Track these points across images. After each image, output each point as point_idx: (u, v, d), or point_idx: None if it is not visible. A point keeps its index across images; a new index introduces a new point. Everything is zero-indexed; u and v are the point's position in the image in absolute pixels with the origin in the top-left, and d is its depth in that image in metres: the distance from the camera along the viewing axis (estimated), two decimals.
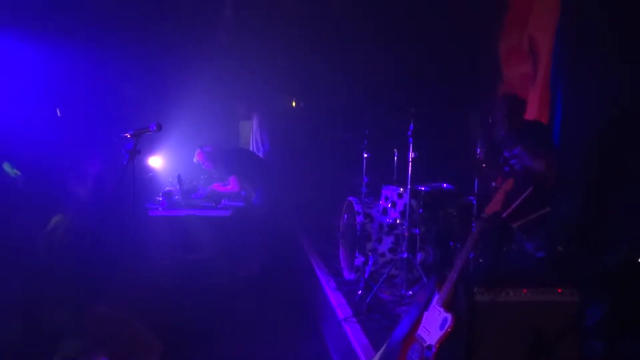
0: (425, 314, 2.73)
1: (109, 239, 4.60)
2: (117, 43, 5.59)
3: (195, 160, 5.86)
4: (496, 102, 3.86)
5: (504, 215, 3.36)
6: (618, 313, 2.88)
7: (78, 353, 3.36)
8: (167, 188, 5.81)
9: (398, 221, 4.45)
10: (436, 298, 2.70)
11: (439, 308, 2.65)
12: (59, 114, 5.46)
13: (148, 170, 5.93)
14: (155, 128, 3.57)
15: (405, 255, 4.12)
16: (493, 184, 3.85)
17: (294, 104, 7.99)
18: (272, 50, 6.71)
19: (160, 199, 5.40)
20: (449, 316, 2.57)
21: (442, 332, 2.55)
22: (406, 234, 4.15)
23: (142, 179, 5.60)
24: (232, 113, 6.79)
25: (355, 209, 4.63)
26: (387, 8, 6.19)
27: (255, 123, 6.82)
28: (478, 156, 3.91)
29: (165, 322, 3.84)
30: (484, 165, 3.87)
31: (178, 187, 5.59)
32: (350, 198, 4.88)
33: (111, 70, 5.63)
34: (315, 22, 6.65)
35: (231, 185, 5.80)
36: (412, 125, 4.02)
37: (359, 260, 4.46)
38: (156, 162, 6.09)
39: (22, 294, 4.16)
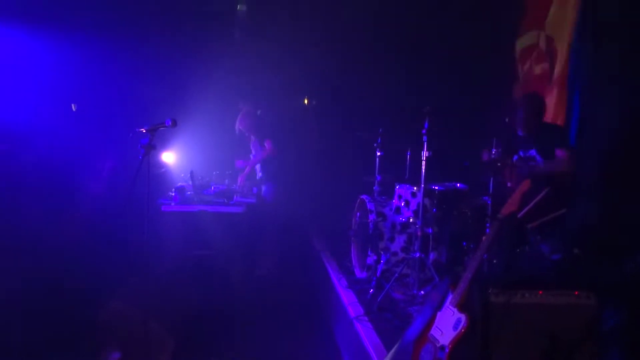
0: (439, 314, 2.71)
1: (122, 234, 4.62)
2: (133, 39, 5.61)
3: (237, 128, 5.80)
4: (516, 101, 3.82)
5: (519, 215, 3.34)
6: (636, 318, 2.84)
7: (93, 349, 3.38)
8: (179, 183, 5.82)
9: (411, 220, 4.42)
10: (450, 298, 2.68)
11: (452, 308, 2.62)
12: (74, 109, 5.49)
13: (161, 165, 5.93)
14: (170, 123, 3.55)
15: (417, 255, 4.09)
16: (509, 184, 3.82)
17: (306, 101, 7.97)
18: (286, 48, 6.69)
19: (173, 194, 5.42)
20: (462, 317, 2.55)
21: (456, 332, 2.53)
22: (419, 233, 4.12)
23: (155, 174, 5.61)
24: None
25: (368, 207, 4.61)
26: (403, 9, 6.16)
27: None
28: (493, 156, 3.87)
29: (176, 319, 3.86)
30: (499, 165, 3.83)
31: (190, 182, 5.60)
32: (363, 196, 4.86)
33: (127, 66, 5.65)
34: (330, 21, 6.63)
35: (268, 148, 5.66)
36: (426, 123, 3.99)
37: (371, 258, 4.45)
38: (169, 157, 6.10)
39: (34, 290, 4.19)
